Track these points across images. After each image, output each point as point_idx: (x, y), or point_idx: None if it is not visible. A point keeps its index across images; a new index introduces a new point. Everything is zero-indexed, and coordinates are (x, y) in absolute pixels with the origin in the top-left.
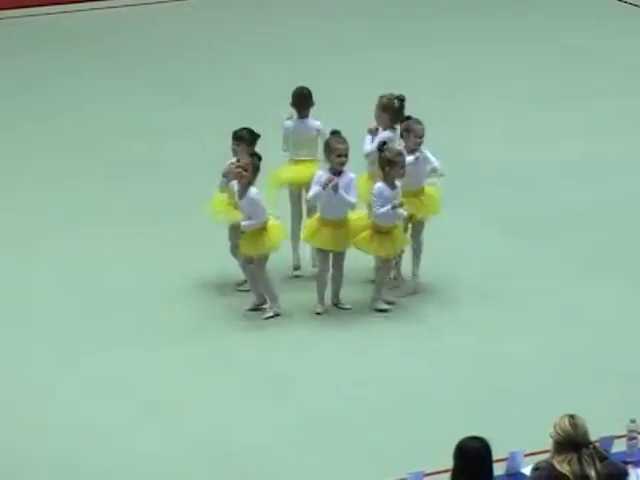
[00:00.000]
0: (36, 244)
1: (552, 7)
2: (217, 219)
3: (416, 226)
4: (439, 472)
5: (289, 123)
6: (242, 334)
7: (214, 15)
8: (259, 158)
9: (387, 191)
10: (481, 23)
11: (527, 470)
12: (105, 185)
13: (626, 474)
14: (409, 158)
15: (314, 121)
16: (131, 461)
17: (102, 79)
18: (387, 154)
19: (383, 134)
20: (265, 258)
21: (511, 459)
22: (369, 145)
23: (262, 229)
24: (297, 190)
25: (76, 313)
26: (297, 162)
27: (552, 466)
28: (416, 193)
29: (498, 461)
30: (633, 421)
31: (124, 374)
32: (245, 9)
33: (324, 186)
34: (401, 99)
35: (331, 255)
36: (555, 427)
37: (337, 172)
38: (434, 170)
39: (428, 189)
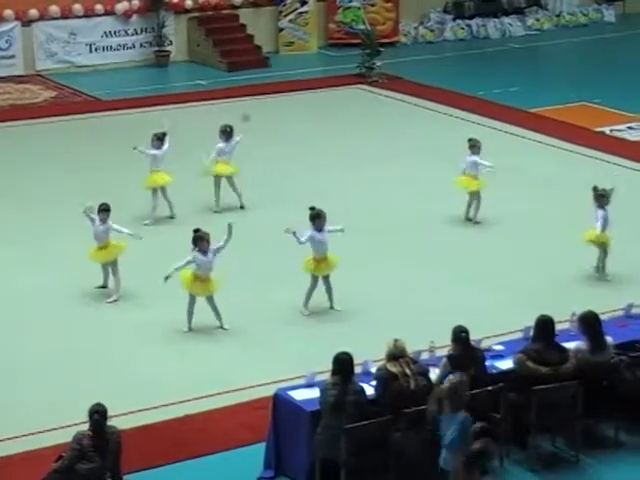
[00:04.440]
0: None
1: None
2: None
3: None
4: (324, 371)
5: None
6: None
7: None
8: None
9: None
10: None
11: (373, 370)
12: None
13: (428, 371)
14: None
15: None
16: None
17: None
18: None
19: (219, 145)
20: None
21: (364, 364)
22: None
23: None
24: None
25: None
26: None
27: (386, 368)
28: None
29: (358, 365)
30: (432, 342)
31: None
32: None
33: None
34: (229, 129)
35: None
36: (387, 346)
37: None
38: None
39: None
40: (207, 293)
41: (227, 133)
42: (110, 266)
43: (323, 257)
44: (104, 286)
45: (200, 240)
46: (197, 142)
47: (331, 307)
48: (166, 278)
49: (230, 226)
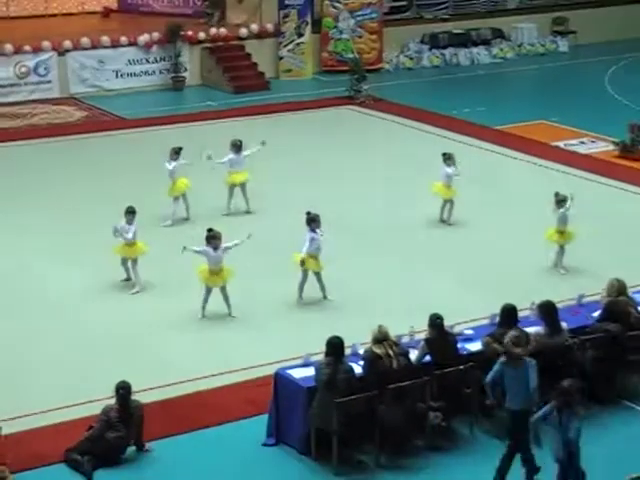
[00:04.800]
0: None
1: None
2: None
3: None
4: (319, 353)
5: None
6: None
7: None
8: None
9: None
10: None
11: (361, 351)
12: None
13: (408, 352)
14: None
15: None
16: None
17: None
18: None
19: (230, 156)
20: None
21: (353, 347)
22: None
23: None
24: None
25: None
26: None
27: (372, 350)
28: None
29: (347, 347)
30: (412, 327)
31: None
32: None
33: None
34: (239, 142)
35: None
36: (372, 331)
37: None
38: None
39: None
40: (221, 283)
41: (237, 146)
42: (130, 262)
43: (316, 255)
44: (128, 279)
45: (213, 239)
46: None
47: (324, 297)
48: (183, 249)
49: (249, 236)
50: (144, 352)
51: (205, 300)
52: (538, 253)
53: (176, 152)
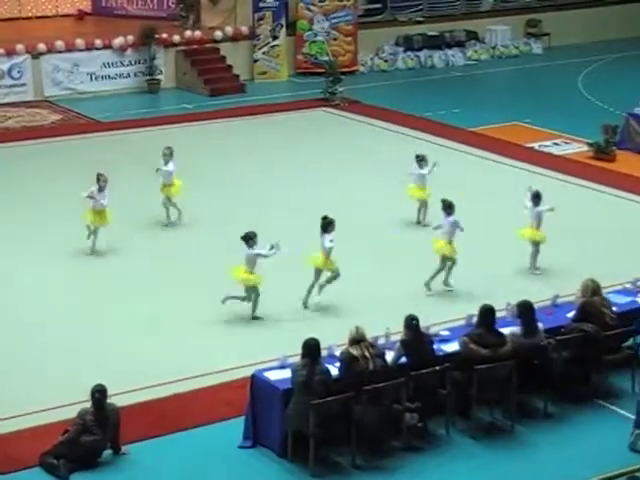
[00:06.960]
0: None
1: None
2: None
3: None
4: (296, 354)
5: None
6: None
7: None
8: None
9: None
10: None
11: (337, 353)
12: None
13: (384, 354)
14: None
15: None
16: None
17: None
18: None
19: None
20: None
21: (329, 348)
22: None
23: None
24: None
25: None
26: None
27: (349, 351)
28: None
29: (324, 349)
30: (388, 328)
31: None
32: None
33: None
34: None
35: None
36: (349, 332)
37: None
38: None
39: None
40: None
41: (171, 156)
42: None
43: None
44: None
45: (252, 239)
46: (184, 158)
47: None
48: (272, 247)
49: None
50: (120, 355)
51: (255, 302)
52: (513, 254)
53: (104, 180)
